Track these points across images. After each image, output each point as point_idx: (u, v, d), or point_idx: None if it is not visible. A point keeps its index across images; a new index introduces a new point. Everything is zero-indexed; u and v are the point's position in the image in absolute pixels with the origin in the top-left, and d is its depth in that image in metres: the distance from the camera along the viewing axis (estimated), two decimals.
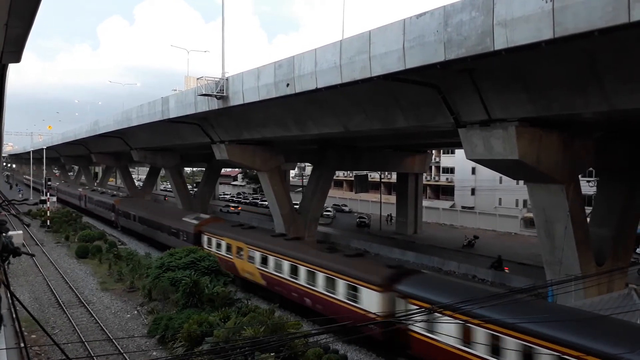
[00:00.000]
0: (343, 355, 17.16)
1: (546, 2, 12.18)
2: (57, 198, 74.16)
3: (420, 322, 14.81)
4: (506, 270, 32.75)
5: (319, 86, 19.88)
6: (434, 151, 63.78)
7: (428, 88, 18.09)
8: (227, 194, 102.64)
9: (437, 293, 15.97)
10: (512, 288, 29.04)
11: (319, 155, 42.23)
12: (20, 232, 24.29)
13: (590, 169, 29.44)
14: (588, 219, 21.64)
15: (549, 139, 17.79)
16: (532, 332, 12.71)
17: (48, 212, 52.63)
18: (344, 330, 17.24)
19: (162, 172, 74.12)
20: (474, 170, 65.80)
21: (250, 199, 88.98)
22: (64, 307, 23.94)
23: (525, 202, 57.61)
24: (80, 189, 71.80)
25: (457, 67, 15.67)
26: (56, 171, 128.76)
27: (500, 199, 63.20)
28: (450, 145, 54.65)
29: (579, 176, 20.17)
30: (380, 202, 58.66)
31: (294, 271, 22.41)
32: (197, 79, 29.22)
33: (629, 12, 10.85)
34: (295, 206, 40.90)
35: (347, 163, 46.91)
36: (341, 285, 19.37)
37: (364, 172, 59.08)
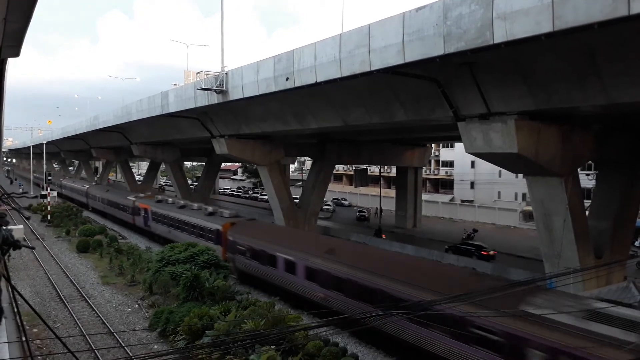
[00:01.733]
0: (343, 348, 17.25)
1: None
2: (90, 207, 59.74)
3: None
4: (384, 237, 40.98)
5: (319, 80, 19.87)
6: (433, 145, 63.77)
7: (427, 82, 18.08)
8: (227, 188, 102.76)
9: None
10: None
11: (318, 150, 42.26)
12: (21, 226, 24.40)
13: (589, 162, 29.44)
14: (587, 212, 21.70)
15: (548, 132, 17.80)
16: None
17: (48, 206, 52.70)
18: (344, 323, 17.33)
19: (163, 166, 74.21)
20: (473, 164, 65.87)
21: (250, 193, 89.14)
22: (65, 301, 24.03)
23: (524, 195, 57.67)
24: (132, 197, 45.99)
25: (456, 60, 15.67)
26: (56, 166, 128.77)
27: (499, 193, 63.27)
28: (450, 139, 54.64)
29: (578, 169, 20.20)
30: (380, 196, 58.70)
31: None
32: (197, 73, 29.22)
33: (629, 4, 10.84)
34: (295, 200, 40.98)
35: (347, 157, 46.95)
36: None
37: (364, 166, 59.13)
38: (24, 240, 38.14)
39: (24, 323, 19.53)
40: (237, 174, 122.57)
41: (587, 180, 33.96)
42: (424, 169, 56.85)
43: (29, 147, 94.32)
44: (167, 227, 36.84)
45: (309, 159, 61.72)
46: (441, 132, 34.87)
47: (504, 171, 48.51)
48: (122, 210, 47.04)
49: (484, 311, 13.07)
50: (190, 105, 30.90)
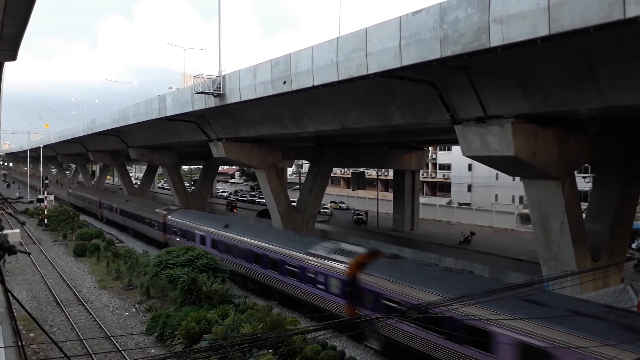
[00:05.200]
0: (341, 352, 17.22)
1: None
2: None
3: None
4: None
5: (316, 83, 19.89)
6: (430, 148, 64.00)
7: (424, 85, 18.13)
8: (225, 192, 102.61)
9: None
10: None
11: (316, 153, 42.27)
12: (18, 230, 24.24)
13: (586, 164, 29.55)
14: (584, 215, 21.75)
15: (544, 135, 17.86)
16: None
17: (45, 210, 52.54)
18: (341, 326, 17.31)
19: (160, 170, 74.09)
20: (470, 167, 66.04)
21: (247, 196, 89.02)
22: (62, 306, 23.93)
23: (521, 198, 57.81)
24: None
25: (453, 64, 15.71)
26: (53, 170, 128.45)
27: (496, 195, 63.41)
28: (447, 142, 54.76)
29: (575, 172, 20.26)
30: (378, 199, 58.75)
31: None
32: (194, 76, 29.14)
33: (624, 8, 10.90)
34: (292, 203, 40.96)
35: (344, 160, 47.00)
36: None
37: (361, 169, 59.21)
38: (21, 244, 37.96)
39: (21, 328, 19.46)
40: (234, 177, 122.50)
41: (584, 182, 34.03)
42: (421, 172, 56.97)
43: (26, 150, 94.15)
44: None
45: (307, 162, 61.71)
46: (438, 135, 34.96)
47: (501, 174, 48.69)
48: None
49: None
50: (188, 108, 30.87)
